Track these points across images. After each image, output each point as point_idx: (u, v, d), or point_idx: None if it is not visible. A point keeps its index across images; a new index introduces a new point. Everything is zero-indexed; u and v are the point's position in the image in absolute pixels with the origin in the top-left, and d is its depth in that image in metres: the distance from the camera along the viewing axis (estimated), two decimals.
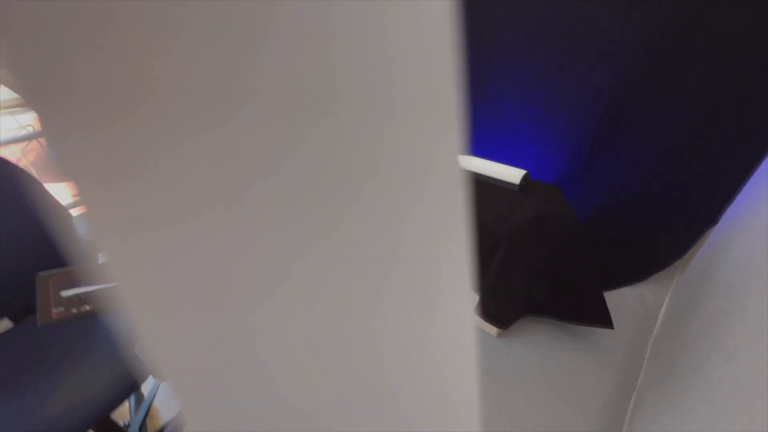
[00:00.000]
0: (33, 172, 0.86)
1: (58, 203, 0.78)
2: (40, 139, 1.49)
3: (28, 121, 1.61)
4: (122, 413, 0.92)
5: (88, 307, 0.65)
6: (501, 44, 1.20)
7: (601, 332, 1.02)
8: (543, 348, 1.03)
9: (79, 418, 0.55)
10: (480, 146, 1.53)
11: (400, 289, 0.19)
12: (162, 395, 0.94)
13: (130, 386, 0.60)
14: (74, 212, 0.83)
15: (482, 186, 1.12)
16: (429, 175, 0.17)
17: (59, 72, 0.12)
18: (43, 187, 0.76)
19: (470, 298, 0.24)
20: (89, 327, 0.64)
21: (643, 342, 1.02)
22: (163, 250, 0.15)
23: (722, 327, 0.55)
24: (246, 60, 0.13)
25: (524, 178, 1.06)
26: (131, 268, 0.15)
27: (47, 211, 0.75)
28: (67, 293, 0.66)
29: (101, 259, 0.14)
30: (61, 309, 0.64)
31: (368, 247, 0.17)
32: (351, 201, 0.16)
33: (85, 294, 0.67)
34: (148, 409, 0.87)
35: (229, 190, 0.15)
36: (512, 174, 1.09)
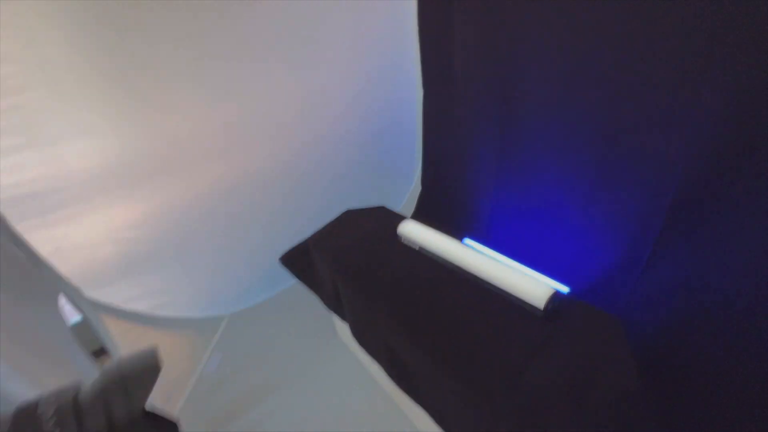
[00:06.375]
0: None
1: None
2: None
3: None
4: None
5: None
6: (533, 90, 0.95)
7: None
8: None
9: None
10: (499, 220, 1.24)
11: None
12: None
13: None
14: None
15: (486, 302, 0.78)
16: None
17: None
18: None
19: None
20: None
21: None
22: None
23: None
24: None
25: (553, 299, 0.71)
26: None
27: None
28: None
29: None
30: None
31: None
32: None
33: None
34: None
35: None
36: (534, 290, 0.72)
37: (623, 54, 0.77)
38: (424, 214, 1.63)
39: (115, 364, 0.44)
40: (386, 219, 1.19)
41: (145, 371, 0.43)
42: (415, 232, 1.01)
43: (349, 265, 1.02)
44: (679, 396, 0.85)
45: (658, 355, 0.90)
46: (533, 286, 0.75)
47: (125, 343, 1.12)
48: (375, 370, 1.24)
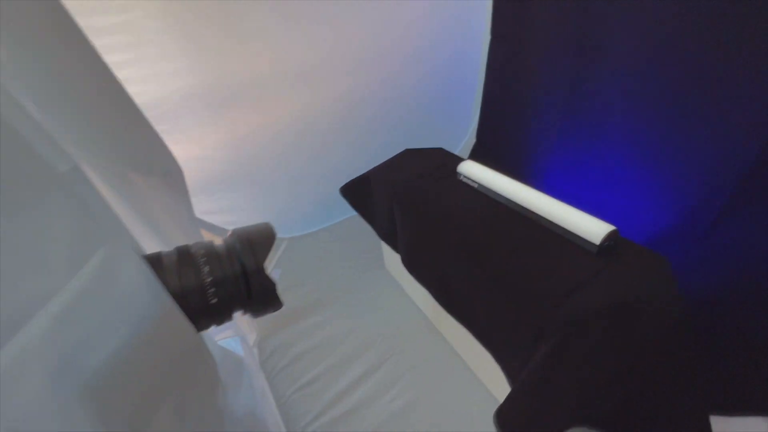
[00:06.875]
0: None
1: None
2: None
3: None
4: None
5: None
6: (613, 42, 0.92)
7: None
8: None
9: None
10: (555, 176, 1.25)
11: None
12: None
13: None
14: None
15: (542, 237, 0.82)
16: None
17: None
18: None
19: None
20: None
21: None
22: None
23: None
24: None
25: (609, 237, 0.74)
26: None
27: None
28: None
29: None
30: None
31: None
32: None
33: None
34: None
35: None
36: (590, 227, 0.76)
37: (716, 6, 0.72)
38: None
39: (242, 228, 0.55)
40: (445, 158, 1.23)
41: (265, 236, 0.54)
42: (476, 170, 1.05)
43: (407, 196, 1.09)
44: (715, 359, 0.88)
45: (701, 319, 0.91)
46: (591, 222, 0.78)
47: None
48: (416, 296, 1.37)
